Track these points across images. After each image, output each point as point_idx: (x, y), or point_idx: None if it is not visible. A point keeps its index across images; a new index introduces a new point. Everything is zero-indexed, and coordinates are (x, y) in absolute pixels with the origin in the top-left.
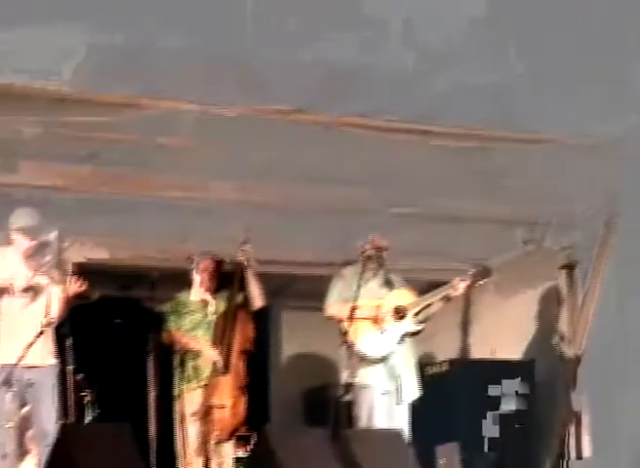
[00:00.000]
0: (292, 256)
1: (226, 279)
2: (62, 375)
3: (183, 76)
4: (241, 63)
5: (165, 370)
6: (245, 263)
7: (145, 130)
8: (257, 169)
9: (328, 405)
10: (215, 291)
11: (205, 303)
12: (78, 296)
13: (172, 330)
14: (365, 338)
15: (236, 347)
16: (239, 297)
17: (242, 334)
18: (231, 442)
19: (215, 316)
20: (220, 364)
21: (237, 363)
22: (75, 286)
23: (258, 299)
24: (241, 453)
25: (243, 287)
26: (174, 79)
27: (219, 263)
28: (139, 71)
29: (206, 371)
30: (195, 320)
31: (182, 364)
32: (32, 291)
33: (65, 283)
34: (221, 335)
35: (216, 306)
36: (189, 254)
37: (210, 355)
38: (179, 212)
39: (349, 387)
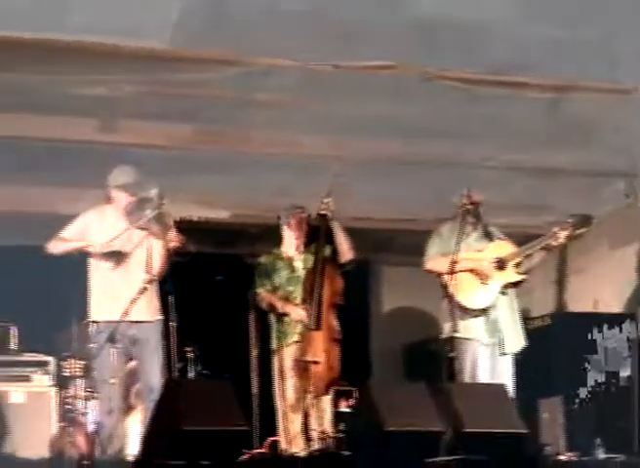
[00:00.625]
0: (391, 212)
1: (316, 234)
2: (166, 331)
3: (281, 32)
4: (337, 19)
5: (265, 326)
6: (329, 216)
7: (244, 87)
8: (353, 124)
9: (429, 359)
10: (304, 246)
11: (295, 259)
12: (177, 250)
13: (260, 290)
14: (466, 291)
15: (326, 301)
16: (326, 251)
17: (331, 288)
18: (329, 396)
19: (304, 271)
20: (309, 320)
21: (328, 317)
22: (175, 239)
23: (346, 252)
24: (343, 408)
25: (330, 240)
26: (272, 36)
27: (306, 218)
28: (235, 29)
29: (298, 327)
30: (285, 276)
31: (279, 319)
32: (132, 247)
33: (165, 237)
34: (311, 290)
35: (304, 261)
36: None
37: (297, 314)
38: (277, 168)
39: (451, 341)
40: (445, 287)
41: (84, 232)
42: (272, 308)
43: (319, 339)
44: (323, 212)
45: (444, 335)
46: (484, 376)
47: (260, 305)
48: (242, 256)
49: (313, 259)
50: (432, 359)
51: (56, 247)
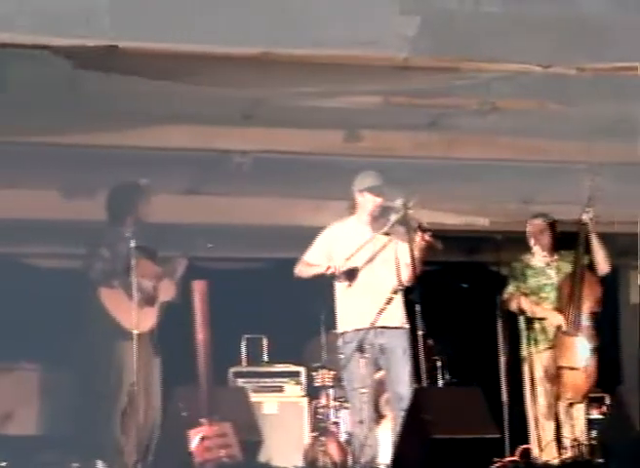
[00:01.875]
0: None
1: (566, 240)
2: (413, 340)
3: (524, 37)
4: (583, 20)
5: (513, 333)
6: (589, 226)
7: (486, 93)
8: (601, 128)
9: None
10: (553, 252)
11: (547, 265)
12: (425, 250)
13: (514, 293)
14: None
15: (585, 309)
16: (585, 259)
17: (590, 296)
18: (584, 404)
19: (558, 277)
20: (567, 326)
21: (587, 324)
22: (420, 236)
23: (603, 264)
24: (595, 415)
25: (588, 249)
26: (512, 41)
27: (551, 225)
28: (471, 36)
29: (552, 333)
30: (539, 282)
31: (529, 325)
32: (378, 255)
33: (412, 240)
34: (569, 297)
35: (557, 268)
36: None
37: (554, 319)
38: (522, 173)
39: None
40: None
41: (328, 251)
42: (522, 311)
43: (576, 346)
44: (584, 221)
45: None
46: None
47: (510, 307)
48: (487, 264)
49: (571, 266)
50: None
51: (302, 272)
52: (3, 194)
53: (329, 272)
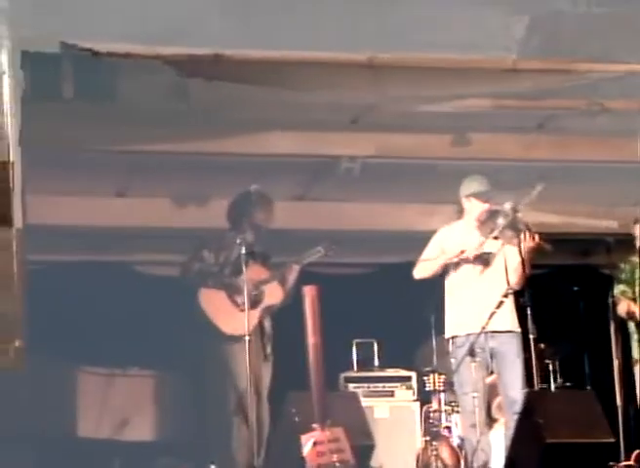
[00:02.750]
0: None
1: None
2: (525, 344)
3: (628, 39)
4: None
5: (625, 335)
6: None
7: (594, 94)
8: None
9: None
10: None
11: None
12: (534, 251)
13: (620, 297)
14: None
15: None
16: None
17: None
18: None
19: None
20: None
21: None
22: (529, 238)
23: None
24: None
25: None
26: (618, 42)
27: None
28: (578, 38)
29: None
30: None
31: (639, 329)
32: (486, 257)
33: (520, 243)
34: None
35: None
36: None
37: None
38: (632, 175)
39: None
40: None
41: (442, 249)
42: (631, 315)
43: None
44: None
45: None
46: None
47: (618, 312)
48: (598, 267)
49: None
50: None
51: (421, 271)
52: (116, 202)
53: (460, 257)
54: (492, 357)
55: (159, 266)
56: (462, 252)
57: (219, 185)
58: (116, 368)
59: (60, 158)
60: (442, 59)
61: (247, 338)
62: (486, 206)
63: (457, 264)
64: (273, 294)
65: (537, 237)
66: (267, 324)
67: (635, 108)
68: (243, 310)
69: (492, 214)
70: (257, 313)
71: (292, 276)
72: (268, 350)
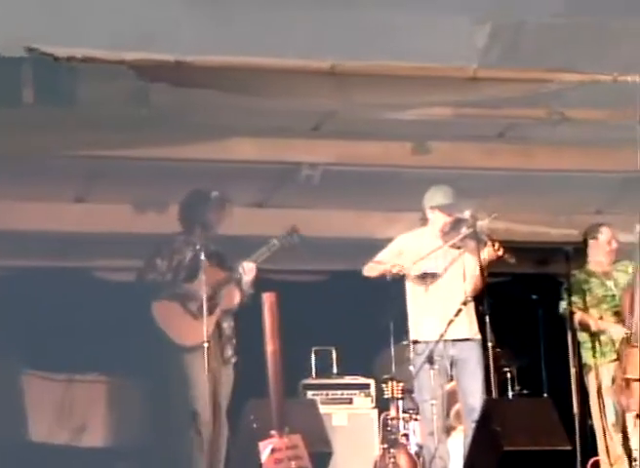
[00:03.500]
0: None
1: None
2: (483, 351)
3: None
4: None
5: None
6: None
7: (555, 103)
8: None
9: None
10: (611, 263)
11: (606, 276)
12: (494, 262)
13: (574, 308)
14: None
15: None
16: None
17: None
18: None
19: (617, 289)
20: (632, 337)
21: None
22: (492, 250)
23: None
24: None
25: None
26: (579, 52)
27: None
28: (538, 47)
29: (616, 345)
30: (597, 295)
31: (593, 337)
32: (447, 266)
33: (481, 253)
34: (630, 308)
35: (615, 279)
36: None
37: (617, 332)
38: (592, 184)
39: None
40: None
41: (399, 255)
42: (584, 326)
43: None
44: None
45: None
46: None
47: (572, 319)
48: (557, 275)
49: (625, 277)
50: None
51: (371, 270)
52: (74, 208)
53: (394, 270)
54: (452, 364)
55: (119, 272)
56: (400, 267)
57: (179, 191)
58: (74, 373)
59: (19, 163)
60: (403, 67)
61: (205, 345)
62: (449, 218)
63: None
64: (230, 297)
65: (501, 250)
66: (227, 326)
67: (595, 118)
68: (197, 318)
69: (455, 224)
70: (214, 318)
71: (248, 276)
72: (228, 353)
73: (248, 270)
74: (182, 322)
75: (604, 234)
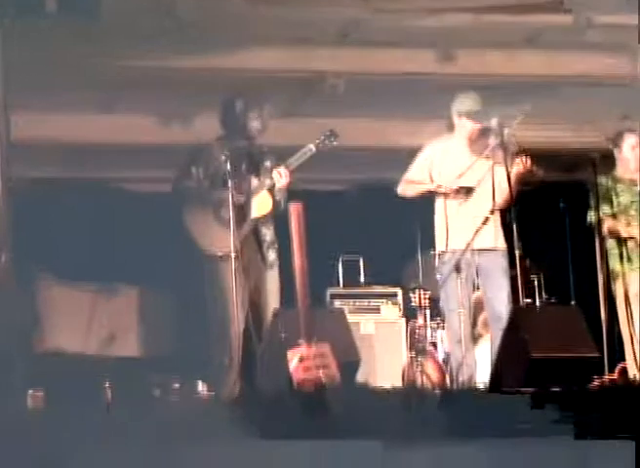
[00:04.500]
0: None
1: None
2: (511, 260)
3: None
4: None
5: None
6: None
7: (581, 8)
8: None
9: None
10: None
11: (633, 183)
12: (524, 175)
13: (600, 214)
14: None
15: None
16: None
17: None
18: None
19: None
20: None
21: None
22: (520, 164)
23: None
24: None
25: None
26: None
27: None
28: None
29: None
30: (624, 201)
31: (620, 244)
32: (464, 191)
33: (511, 164)
34: None
35: None
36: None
37: None
38: (617, 90)
39: None
40: None
41: (429, 170)
42: (614, 233)
43: None
44: None
45: None
46: None
47: (600, 226)
48: (584, 182)
49: None
50: None
51: (405, 190)
52: (100, 119)
53: (440, 190)
54: (478, 273)
55: (145, 183)
56: (439, 186)
57: (204, 102)
58: (104, 284)
59: (43, 74)
60: None
61: (232, 255)
62: (477, 126)
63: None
64: (263, 204)
65: (528, 161)
66: (267, 231)
67: (622, 23)
68: (229, 226)
69: (483, 133)
70: (246, 226)
71: (282, 182)
72: (271, 258)
73: (282, 176)
74: (215, 230)
75: (628, 140)
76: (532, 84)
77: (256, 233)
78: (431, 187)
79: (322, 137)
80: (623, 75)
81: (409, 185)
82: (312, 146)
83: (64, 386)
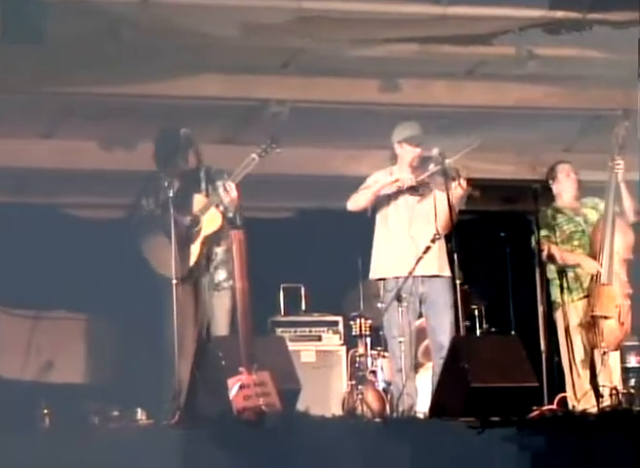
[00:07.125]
0: None
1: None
2: (452, 289)
3: None
4: None
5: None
6: (617, 175)
7: (523, 40)
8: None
9: None
10: (577, 199)
11: (574, 212)
12: (463, 198)
13: (543, 241)
14: None
15: (617, 256)
16: (615, 207)
17: (622, 243)
18: (617, 352)
19: (587, 225)
20: (601, 274)
21: (619, 272)
22: (459, 187)
23: (630, 213)
24: (633, 363)
25: (618, 196)
26: None
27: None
28: None
29: (586, 282)
30: (568, 230)
31: (561, 274)
32: (420, 189)
33: (449, 188)
34: (601, 244)
35: (584, 215)
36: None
37: (589, 266)
38: (558, 123)
39: None
40: None
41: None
42: (552, 259)
43: (610, 294)
44: (617, 169)
45: None
46: None
47: (541, 256)
48: (525, 213)
49: (596, 214)
50: None
51: (357, 201)
52: (43, 144)
53: (397, 185)
54: (421, 301)
55: (87, 209)
56: (397, 180)
57: (147, 129)
58: (42, 310)
59: None
60: (372, 5)
61: (173, 282)
62: (418, 150)
63: (388, 198)
64: (211, 221)
65: (465, 184)
66: (217, 249)
67: (563, 55)
68: (178, 249)
69: (423, 160)
70: (197, 246)
71: (229, 197)
72: (220, 277)
73: (228, 190)
74: (168, 256)
75: (562, 171)
76: (474, 114)
77: (208, 253)
78: (387, 182)
79: (263, 146)
80: (565, 107)
81: (361, 193)
82: (255, 156)
83: (1, 412)
